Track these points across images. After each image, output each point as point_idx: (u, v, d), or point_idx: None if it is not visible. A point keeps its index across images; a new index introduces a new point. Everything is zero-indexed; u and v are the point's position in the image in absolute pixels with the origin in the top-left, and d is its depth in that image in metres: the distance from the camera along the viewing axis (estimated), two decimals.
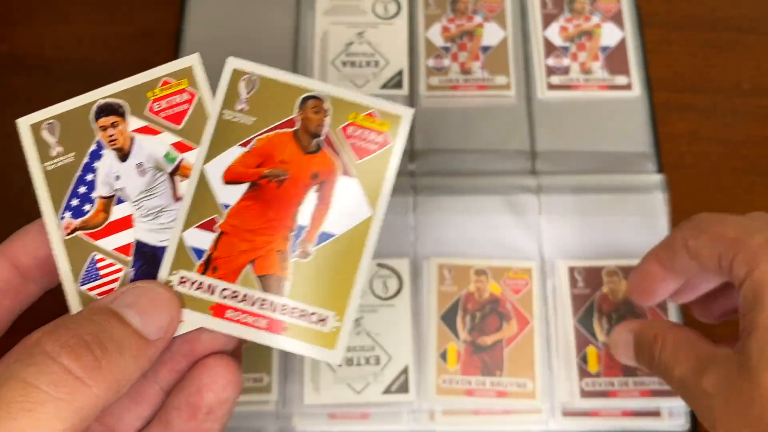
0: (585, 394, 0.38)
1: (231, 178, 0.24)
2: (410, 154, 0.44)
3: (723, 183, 0.45)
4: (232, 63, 0.25)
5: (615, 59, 0.46)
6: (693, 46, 0.48)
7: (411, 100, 0.45)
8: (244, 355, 0.38)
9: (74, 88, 0.47)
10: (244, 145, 0.24)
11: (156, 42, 0.48)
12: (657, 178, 0.43)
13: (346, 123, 0.23)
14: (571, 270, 0.40)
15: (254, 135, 0.24)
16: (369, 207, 0.23)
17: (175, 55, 0.46)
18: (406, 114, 0.24)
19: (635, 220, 0.42)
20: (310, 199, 0.24)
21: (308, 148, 0.24)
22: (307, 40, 0.47)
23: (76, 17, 0.49)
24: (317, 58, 0.46)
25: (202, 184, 0.23)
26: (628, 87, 0.45)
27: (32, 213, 0.44)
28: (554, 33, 0.47)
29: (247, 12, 0.47)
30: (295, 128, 0.24)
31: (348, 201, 0.23)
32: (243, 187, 0.24)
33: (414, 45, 0.46)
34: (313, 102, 0.24)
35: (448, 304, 0.40)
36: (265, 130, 0.24)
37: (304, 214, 0.23)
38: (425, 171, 0.43)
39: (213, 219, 0.23)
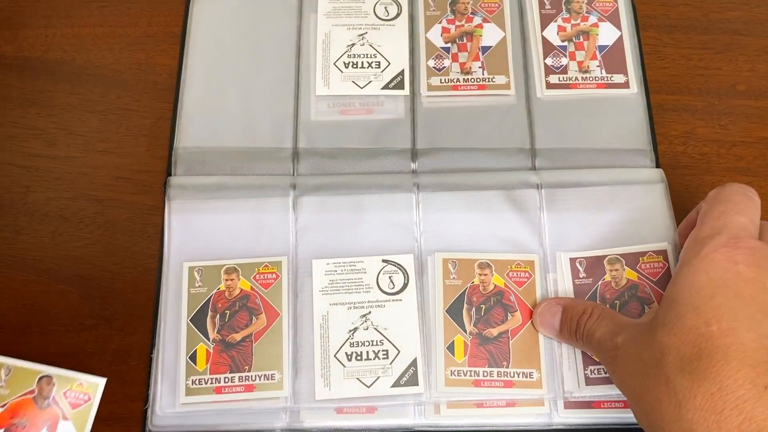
0: (590, 381, 0.38)
1: None
2: (412, 153, 0.44)
3: (718, 183, 0.45)
4: None
5: (612, 58, 0.47)
6: (688, 49, 0.49)
7: (412, 100, 0.46)
8: (256, 354, 0.39)
9: (78, 89, 0.48)
10: None
11: (160, 44, 0.49)
12: (655, 171, 0.44)
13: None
14: (573, 261, 0.41)
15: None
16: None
17: (180, 57, 0.47)
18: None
19: (635, 212, 0.42)
20: None
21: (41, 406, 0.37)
22: (309, 41, 0.47)
23: (81, 19, 0.49)
24: (320, 59, 0.46)
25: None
26: (625, 85, 0.46)
27: (33, 212, 0.44)
28: (552, 33, 0.47)
29: (251, 14, 0.48)
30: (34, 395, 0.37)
31: None
32: None
33: (415, 46, 0.47)
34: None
35: (454, 298, 0.40)
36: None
37: None
38: (427, 169, 0.44)
39: None
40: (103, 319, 0.42)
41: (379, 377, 0.38)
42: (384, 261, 0.41)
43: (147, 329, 0.41)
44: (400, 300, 0.40)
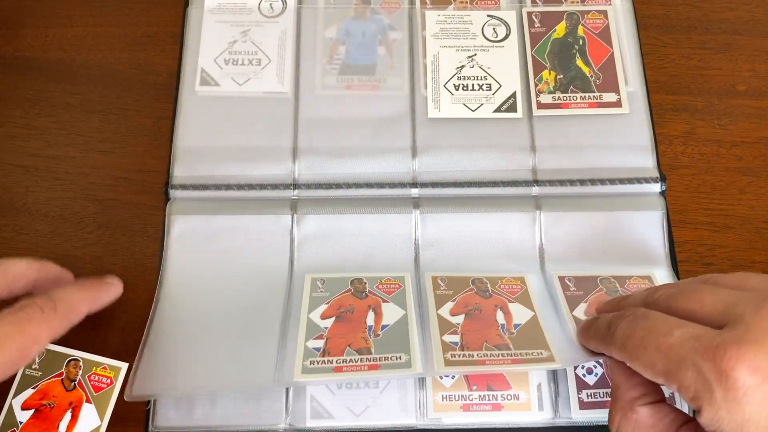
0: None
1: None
2: (412, 181, 0.44)
3: (718, 183, 0.45)
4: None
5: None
6: (688, 49, 0.49)
7: (412, 99, 0.45)
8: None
9: (78, 89, 0.48)
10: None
11: (160, 44, 0.49)
12: (657, 198, 0.43)
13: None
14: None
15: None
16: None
17: (179, 57, 0.47)
18: None
19: (631, 236, 0.42)
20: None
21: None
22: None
23: (80, 20, 0.50)
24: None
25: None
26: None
27: (34, 212, 0.44)
28: None
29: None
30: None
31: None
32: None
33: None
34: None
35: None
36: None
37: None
38: (427, 169, 0.44)
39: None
40: (103, 319, 0.42)
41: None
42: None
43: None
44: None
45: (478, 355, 0.36)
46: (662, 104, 0.47)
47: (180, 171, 0.43)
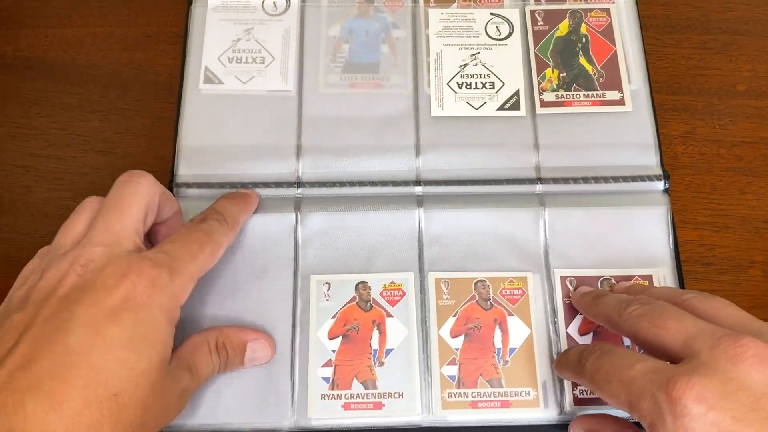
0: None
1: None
2: (415, 179, 0.44)
3: (718, 183, 0.45)
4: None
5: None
6: (688, 49, 0.49)
7: (416, 96, 0.45)
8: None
9: (78, 89, 0.48)
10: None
11: (160, 44, 0.49)
12: (661, 195, 0.43)
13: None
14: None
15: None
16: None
17: (183, 55, 0.47)
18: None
19: (635, 236, 0.42)
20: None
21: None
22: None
23: (80, 20, 0.50)
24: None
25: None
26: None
27: (34, 212, 0.44)
28: None
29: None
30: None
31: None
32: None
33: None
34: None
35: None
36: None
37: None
38: (431, 167, 0.44)
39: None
40: None
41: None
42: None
43: None
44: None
45: (472, 394, 0.39)
46: (662, 104, 0.47)
47: (184, 169, 0.43)
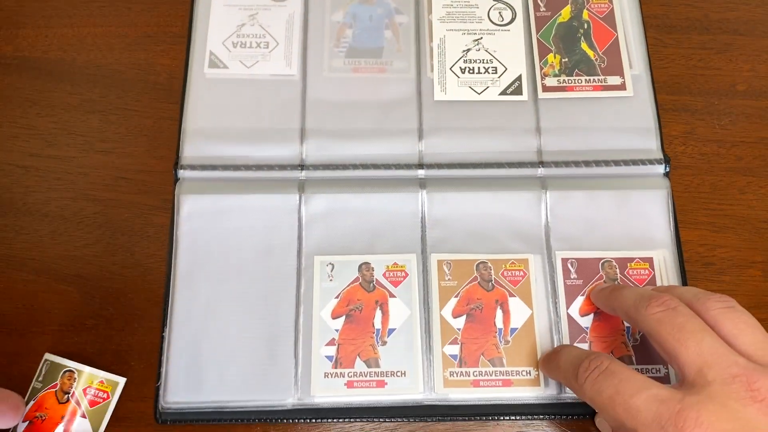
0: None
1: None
2: (418, 162, 0.44)
3: (718, 183, 0.45)
4: None
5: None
6: (688, 49, 0.49)
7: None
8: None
9: (78, 89, 0.48)
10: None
11: (160, 44, 0.49)
12: (662, 178, 0.44)
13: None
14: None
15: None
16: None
17: (188, 40, 0.47)
18: None
19: (635, 217, 0.42)
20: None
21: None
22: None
23: (80, 20, 0.50)
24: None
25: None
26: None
27: (34, 212, 0.44)
28: None
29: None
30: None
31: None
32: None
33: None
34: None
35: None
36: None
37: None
38: (433, 151, 0.44)
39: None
40: (103, 319, 0.42)
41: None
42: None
43: (147, 329, 0.41)
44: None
45: (473, 373, 0.39)
46: (662, 104, 0.47)
47: (189, 151, 0.44)
